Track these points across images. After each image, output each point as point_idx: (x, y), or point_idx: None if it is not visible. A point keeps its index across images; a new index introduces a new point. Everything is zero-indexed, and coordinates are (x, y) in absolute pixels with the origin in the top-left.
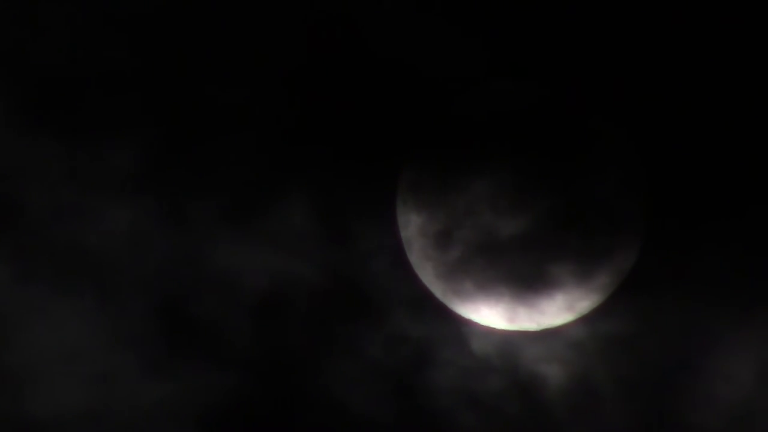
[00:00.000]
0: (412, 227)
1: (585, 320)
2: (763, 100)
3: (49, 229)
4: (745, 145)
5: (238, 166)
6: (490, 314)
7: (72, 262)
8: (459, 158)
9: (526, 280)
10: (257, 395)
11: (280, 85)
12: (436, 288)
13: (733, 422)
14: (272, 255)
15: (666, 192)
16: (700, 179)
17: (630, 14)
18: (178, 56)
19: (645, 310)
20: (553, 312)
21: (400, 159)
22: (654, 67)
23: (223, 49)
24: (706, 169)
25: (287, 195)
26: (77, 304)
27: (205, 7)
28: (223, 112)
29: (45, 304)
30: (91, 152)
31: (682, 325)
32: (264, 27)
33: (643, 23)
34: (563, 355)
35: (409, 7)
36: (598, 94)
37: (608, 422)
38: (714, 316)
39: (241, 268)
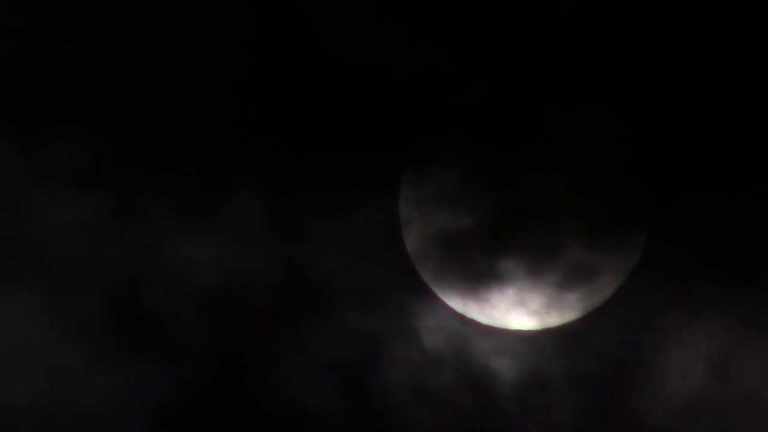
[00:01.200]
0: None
1: (536, 314)
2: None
3: None
4: (687, 140)
5: (190, 161)
6: (444, 309)
7: (21, 256)
8: (422, 152)
9: (478, 274)
10: (209, 389)
11: (234, 80)
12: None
13: (684, 416)
14: (224, 249)
15: (619, 188)
16: (647, 175)
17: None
18: (131, 50)
19: (598, 304)
20: (504, 307)
21: (354, 153)
22: (634, 62)
23: (177, 44)
24: (655, 165)
25: (239, 190)
26: (26, 298)
27: (159, 2)
28: (176, 107)
29: None
30: (41, 146)
31: (634, 320)
32: (218, 23)
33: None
34: (515, 349)
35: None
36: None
37: (559, 416)
38: (666, 312)
39: (193, 262)
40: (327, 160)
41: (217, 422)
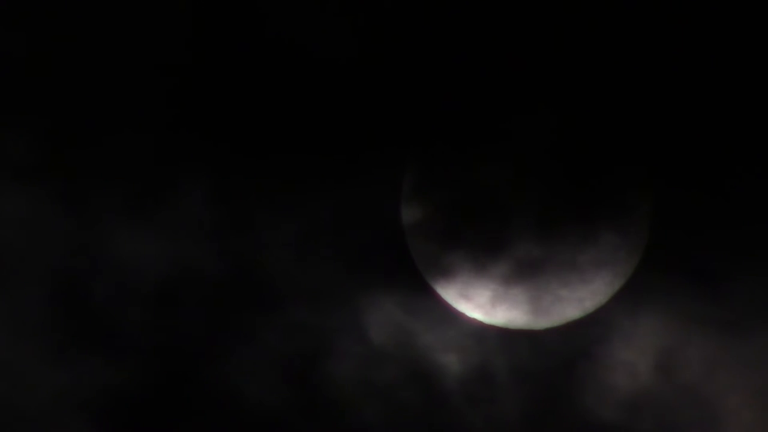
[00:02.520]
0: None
1: (484, 309)
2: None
3: None
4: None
5: (137, 155)
6: (391, 303)
7: None
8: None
9: (426, 269)
10: (156, 384)
11: (183, 74)
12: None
13: (629, 410)
14: (171, 243)
15: (566, 184)
16: (590, 169)
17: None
18: (76, 45)
19: (544, 298)
20: (450, 300)
21: (303, 148)
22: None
23: (123, 38)
24: (596, 160)
25: (186, 184)
26: None
27: None
28: (122, 101)
29: None
30: None
31: (578, 313)
32: (164, 19)
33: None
34: (461, 343)
35: None
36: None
37: (505, 410)
38: (612, 306)
39: (140, 256)
40: (275, 154)
41: (164, 416)
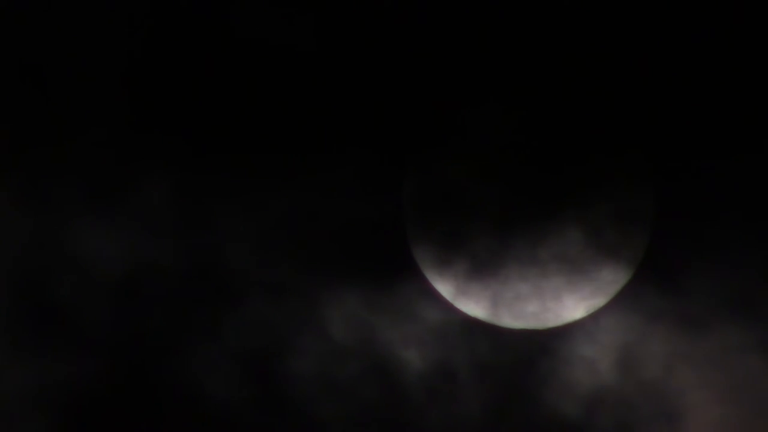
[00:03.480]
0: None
1: (444, 303)
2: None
3: None
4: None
5: (97, 147)
6: (352, 298)
7: None
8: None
9: (387, 264)
10: (116, 379)
11: (143, 70)
12: None
13: (590, 407)
14: (132, 238)
15: (519, 182)
16: (551, 162)
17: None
18: (32, 35)
19: (504, 293)
20: (412, 296)
21: (264, 142)
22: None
23: (83, 27)
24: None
25: (148, 180)
26: None
27: None
28: (83, 93)
29: None
30: None
31: (540, 310)
32: (124, 14)
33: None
34: (422, 338)
35: None
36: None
37: (465, 405)
38: (573, 301)
39: (101, 251)
40: (237, 150)
41: (126, 414)
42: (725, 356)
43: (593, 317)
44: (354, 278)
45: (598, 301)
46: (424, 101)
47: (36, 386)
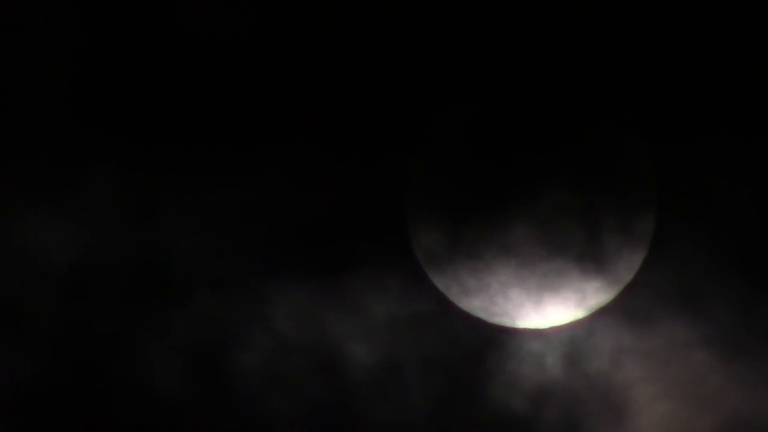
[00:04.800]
0: None
1: (393, 298)
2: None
3: None
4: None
5: (41, 141)
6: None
7: None
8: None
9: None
10: (62, 375)
11: (88, 65)
12: None
13: (537, 401)
14: (77, 232)
15: (470, 178)
16: (503, 156)
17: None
18: None
19: (452, 287)
20: (358, 289)
21: (212, 134)
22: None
23: (24, 27)
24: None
25: (93, 172)
26: None
27: None
28: (26, 83)
29: None
30: None
31: (488, 305)
32: (64, 8)
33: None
34: (369, 332)
35: None
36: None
37: (413, 400)
38: (520, 297)
39: (46, 244)
40: (184, 143)
41: (73, 409)
42: (671, 351)
43: (540, 311)
44: (301, 273)
45: (545, 296)
46: (373, 91)
47: None
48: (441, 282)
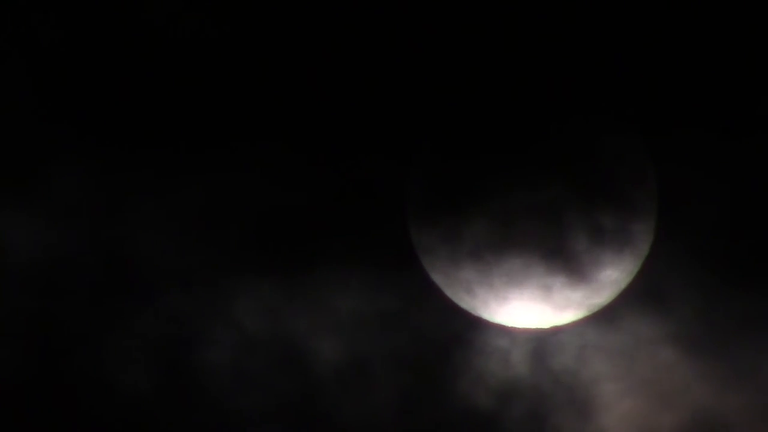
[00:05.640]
0: None
1: (359, 295)
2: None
3: None
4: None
5: (7, 137)
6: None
7: None
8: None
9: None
10: (27, 369)
11: (56, 60)
12: None
13: (503, 397)
14: (43, 228)
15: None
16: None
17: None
18: None
19: (420, 285)
20: (324, 285)
21: (178, 130)
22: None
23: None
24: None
25: (58, 168)
26: None
27: None
28: None
29: None
30: None
31: (454, 302)
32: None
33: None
34: (335, 328)
35: None
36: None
37: (380, 397)
38: (485, 293)
39: (11, 240)
40: (149, 139)
41: (36, 403)
42: (636, 348)
43: (507, 308)
44: (267, 269)
45: (511, 293)
46: (335, 88)
47: None
48: (412, 278)
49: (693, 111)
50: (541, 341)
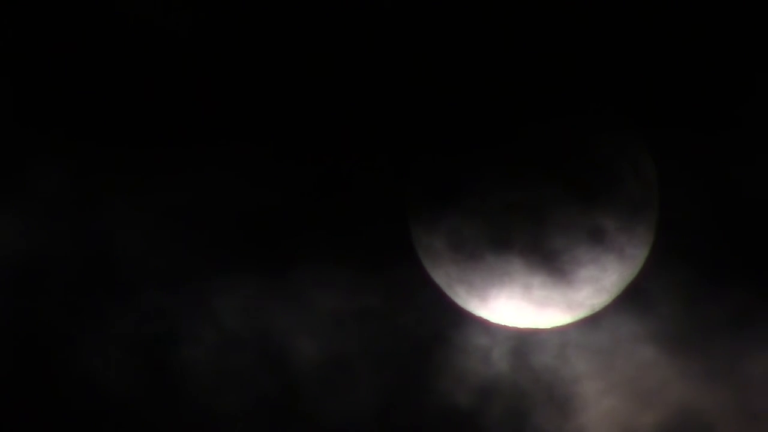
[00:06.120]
0: None
1: (340, 293)
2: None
3: None
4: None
5: None
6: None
7: None
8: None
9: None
10: (6, 368)
11: (30, 49)
12: None
13: (481, 395)
14: (22, 225)
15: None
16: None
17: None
18: None
19: (399, 283)
20: (305, 283)
21: (159, 130)
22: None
23: None
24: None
25: (38, 165)
26: None
27: None
28: None
29: None
30: None
31: (435, 299)
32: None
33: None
34: (316, 327)
35: None
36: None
37: (360, 395)
38: (467, 291)
39: None
40: (129, 137)
41: (16, 402)
42: (617, 346)
43: (486, 306)
44: (247, 266)
45: (490, 290)
46: (312, 87)
47: None
48: (391, 277)
49: (669, 107)
50: (522, 339)
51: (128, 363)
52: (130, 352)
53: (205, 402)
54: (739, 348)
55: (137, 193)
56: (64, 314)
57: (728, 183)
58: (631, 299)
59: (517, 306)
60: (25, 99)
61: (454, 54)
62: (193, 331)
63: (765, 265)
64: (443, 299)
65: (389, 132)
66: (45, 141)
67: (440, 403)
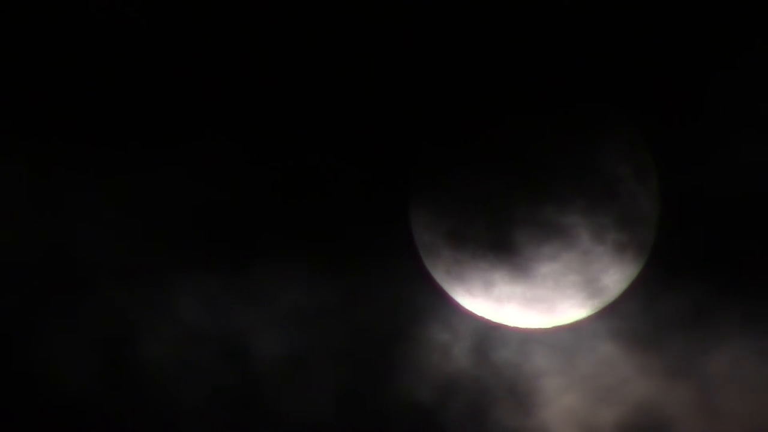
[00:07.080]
0: None
1: (300, 289)
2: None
3: None
4: None
5: None
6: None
7: None
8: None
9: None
10: None
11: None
12: None
13: (442, 391)
14: None
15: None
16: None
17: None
18: None
19: (360, 280)
20: (266, 279)
21: (120, 130)
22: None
23: None
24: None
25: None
26: None
27: None
28: None
29: None
30: None
31: (397, 295)
32: None
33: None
34: (277, 323)
35: None
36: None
37: (320, 390)
38: (427, 287)
39: None
40: (90, 135)
41: None
42: (577, 343)
43: (448, 302)
44: (207, 263)
45: (453, 286)
46: (280, 82)
47: None
48: (353, 274)
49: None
50: (482, 335)
51: (89, 359)
52: (91, 349)
53: (165, 397)
54: (698, 345)
55: (98, 191)
56: (26, 313)
57: (685, 181)
58: (591, 298)
59: (476, 301)
60: None
61: (454, 54)
62: (153, 327)
63: (722, 262)
64: (404, 295)
65: (368, 130)
66: (2, 139)
67: (400, 399)
